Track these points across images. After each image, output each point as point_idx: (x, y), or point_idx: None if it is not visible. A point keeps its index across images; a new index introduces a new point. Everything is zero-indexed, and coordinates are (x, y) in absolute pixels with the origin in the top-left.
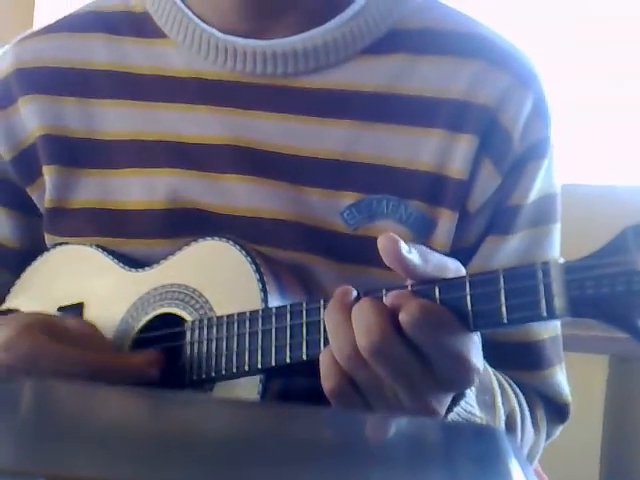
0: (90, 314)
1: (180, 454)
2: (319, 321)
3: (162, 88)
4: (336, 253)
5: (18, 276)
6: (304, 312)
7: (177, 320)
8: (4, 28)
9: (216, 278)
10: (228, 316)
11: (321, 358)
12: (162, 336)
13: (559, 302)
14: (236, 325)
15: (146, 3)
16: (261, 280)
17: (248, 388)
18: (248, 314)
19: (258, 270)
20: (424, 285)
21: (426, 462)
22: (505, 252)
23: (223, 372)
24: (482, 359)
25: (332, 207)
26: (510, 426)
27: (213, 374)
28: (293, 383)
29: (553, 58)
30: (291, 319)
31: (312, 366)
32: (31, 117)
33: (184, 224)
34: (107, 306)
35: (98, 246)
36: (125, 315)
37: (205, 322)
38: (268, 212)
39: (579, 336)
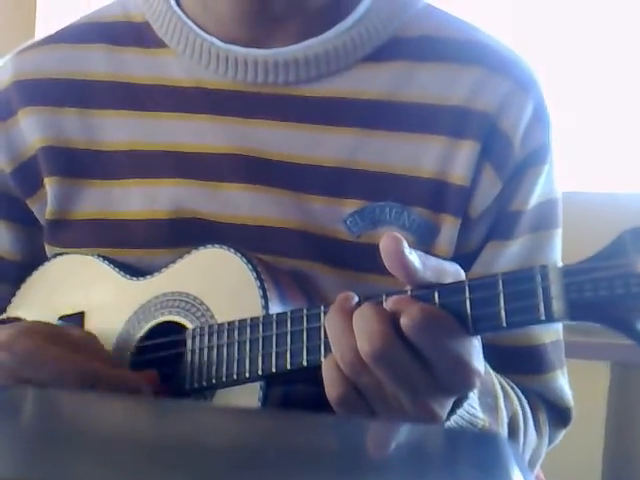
0: (91, 323)
1: (181, 462)
2: (319, 327)
3: (163, 98)
4: (339, 260)
5: (18, 287)
6: (305, 318)
7: (178, 328)
8: (4, 39)
9: (217, 285)
10: (229, 323)
11: (324, 367)
12: (163, 344)
13: (558, 305)
14: (237, 332)
15: (146, 13)
16: (262, 287)
17: (249, 395)
18: (249, 321)
19: (259, 277)
20: (424, 290)
21: (427, 469)
22: (506, 257)
23: (224, 379)
24: (483, 362)
25: (335, 215)
26: (513, 429)
27: (214, 381)
28: (293, 389)
29: (554, 65)
30: (292, 325)
31: (312, 372)
32: (31, 129)
33: (186, 234)
34: (108, 315)
35: (99, 255)
36: (126, 324)
37: (206, 329)
38: (271, 221)
39: (581, 343)
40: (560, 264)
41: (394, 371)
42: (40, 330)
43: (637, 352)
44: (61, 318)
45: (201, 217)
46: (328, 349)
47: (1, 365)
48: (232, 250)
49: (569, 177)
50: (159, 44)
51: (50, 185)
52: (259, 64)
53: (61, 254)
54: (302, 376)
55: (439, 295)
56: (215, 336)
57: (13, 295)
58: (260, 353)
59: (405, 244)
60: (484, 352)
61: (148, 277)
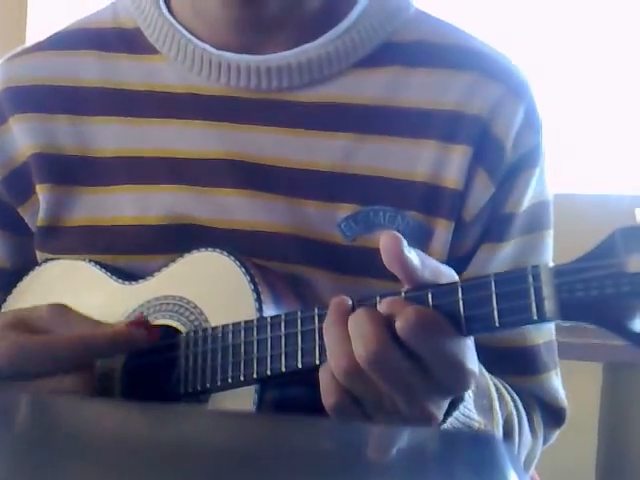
0: None
1: (175, 467)
2: (314, 329)
3: (155, 104)
4: (334, 265)
5: (10, 292)
6: (299, 321)
7: (172, 332)
8: None
9: (210, 289)
10: (223, 327)
11: (320, 374)
12: (156, 348)
13: (549, 305)
14: (231, 335)
15: (137, 19)
16: (256, 290)
17: (243, 398)
18: (243, 324)
19: (252, 280)
20: (417, 291)
21: (423, 471)
22: (500, 259)
23: (218, 383)
24: (477, 363)
25: (329, 219)
26: (508, 430)
27: (208, 385)
28: (288, 392)
29: (546, 69)
30: (286, 328)
31: (307, 375)
32: (23, 136)
33: (180, 240)
34: (101, 319)
35: (91, 260)
36: None
37: (200, 333)
38: (265, 225)
39: (573, 344)
40: (551, 264)
41: (390, 374)
42: (10, 325)
43: (629, 352)
44: None
45: (194, 222)
46: (323, 352)
47: None
48: (225, 253)
49: (561, 179)
50: (150, 50)
51: (42, 192)
52: (252, 70)
53: (52, 259)
54: (297, 379)
55: (433, 296)
56: (209, 340)
57: (4, 301)
58: (255, 356)
59: (404, 243)
60: (478, 354)
61: (141, 281)
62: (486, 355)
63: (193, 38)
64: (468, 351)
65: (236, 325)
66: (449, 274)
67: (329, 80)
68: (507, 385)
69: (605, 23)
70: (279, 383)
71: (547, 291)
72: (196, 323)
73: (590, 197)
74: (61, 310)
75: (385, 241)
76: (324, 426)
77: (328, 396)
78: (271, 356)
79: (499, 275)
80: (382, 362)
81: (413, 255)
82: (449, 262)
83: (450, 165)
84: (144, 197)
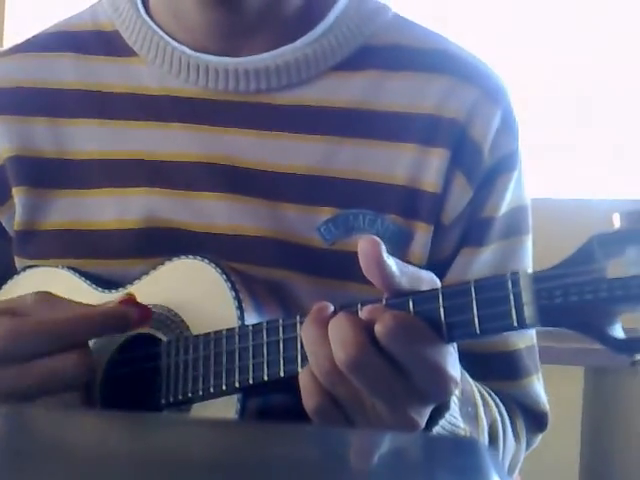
0: None
1: (157, 478)
2: (296, 337)
3: (134, 107)
4: (314, 268)
5: None
6: (281, 329)
7: (152, 341)
8: None
9: (191, 297)
10: (204, 335)
11: (300, 377)
12: (137, 357)
13: (529, 311)
14: (213, 344)
15: (115, 22)
16: (237, 298)
17: (226, 407)
18: (224, 332)
19: (234, 288)
20: (398, 298)
21: (406, 476)
22: (480, 264)
23: (200, 392)
24: (459, 369)
25: (309, 222)
26: (493, 437)
27: (190, 395)
28: (271, 401)
29: (523, 74)
30: (268, 336)
31: (290, 383)
32: (0, 138)
33: (160, 244)
34: None
35: (69, 268)
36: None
37: (181, 342)
38: (245, 229)
39: (554, 348)
40: (530, 270)
41: (370, 379)
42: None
43: (610, 357)
44: None
45: (174, 226)
46: (305, 359)
47: None
48: (206, 261)
49: (539, 184)
50: (129, 53)
51: (18, 195)
52: (230, 72)
53: (31, 267)
54: (279, 387)
55: (414, 303)
56: (191, 349)
57: None
58: (237, 365)
59: (383, 248)
60: (460, 359)
61: (121, 289)
62: (468, 360)
63: (171, 40)
64: (449, 357)
65: (218, 333)
66: (430, 279)
67: (307, 83)
68: (490, 391)
69: (583, 30)
70: (262, 391)
71: (526, 297)
72: (177, 332)
73: (567, 202)
74: (48, 296)
75: (364, 246)
76: (306, 432)
77: (309, 398)
78: (253, 364)
79: (479, 281)
80: (362, 367)
81: (391, 262)
82: (429, 266)
83: (428, 168)
84: (123, 200)
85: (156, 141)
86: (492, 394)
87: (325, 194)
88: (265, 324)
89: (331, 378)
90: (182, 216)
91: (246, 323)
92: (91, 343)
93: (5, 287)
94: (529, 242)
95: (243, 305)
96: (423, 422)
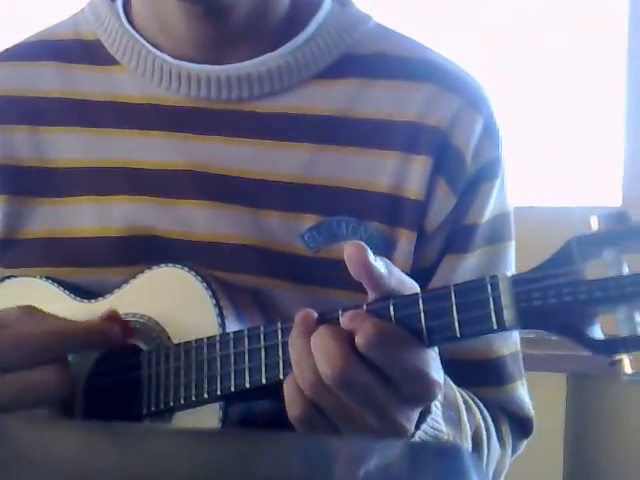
0: None
1: None
2: (277, 344)
3: (115, 115)
4: (297, 276)
5: None
6: (262, 336)
7: (133, 350)
8: None
9: (172, 306)
10: (185, 343)
11: (285, 386)
12: (118, 367)
13: (508, 314)
14: (194, 352)
15: (97, 30)
16: (218, 305)
17: (208, 415)
18: (206, 340)
19: (214, 296)
20: (379, 303)
21: None
22: (463, 271)
23: (182, 401)
24: (442, 373)
25: (292, 230)
26: (477, 442)
27: (172, 403)
28: (254, 408)
29: (506, 82)
30: (249, 343)
31: (272, 390)
32: None
33: (141, 252)
34: None
35: (48, 277)
36: None
37: (162, 351)
38: (227, 237)
39: (537, 355)
40: (509, 273)
41: (356, 391)
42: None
43: (592, 363)
44: None
45: (156, 234)
46: (287, 366)
47: None
48: (186, 269)
49: (522, 192)
50: (111, 61)
51: None
52: (212, 80)
53: (9, 277)
54: (262, 394)
55: (394, 308)
56: (172, 357)
57: None
58: (218, 373)
59: (369, 251)
60: (444, 366)
61: (100, 299)
62: (452, 367)
63: (153, 49)
64: (432, 361)
65: (199, 342)
66: (411, 285)
67: (289, 91)
68: (474, 397)
69: (567, 36)
70: (244, 399)
71: (506, 300)
72: (158, 341)
73: (547, 209)
74: (32, 310)
75: (350, 250)
76: (287, 441)
77: (293, 408)
78: (235, 372)
79: (459, 286)
80: (347, 379)
81: (379, 264)
82: (413, 274)
83: (411, 175)
84: (104, 208)
85: (137, 149)
86: (476, 400)
87: (308, 202)
88: (246, 331)
89: (316, 389)
90: (163, 224)
91: (227, 331)
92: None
93: None
94: (512, 248)
95: (224, 313)
96: (412, 427)
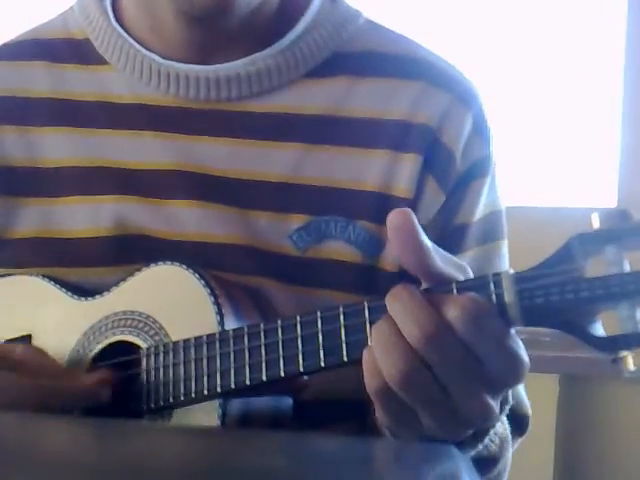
0: (38, 345)
1: None
2: (277, 342)
3: (105, 115)
4: (286, 276)
5: None
6: (262, 333)
7: (131, 348)
8: None
9: (170, 303)
10: (184, 341)
11: (365, 357)
12: (116, 365)
13: (512, 311)
14: (193, 350)
15: (86, 29)
16: (216, 303)
17: (207, 412)
18: (205, 338)
19: (213, 293)
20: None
21: None
22: None
23: (182, 398)
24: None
25: (281, 230)
26: (507, 444)
27: (171, 400)
28: (253, 404)
29: (499, 81)
30: (249, 341)
31: (271, 387)
32: None
33: (131, 251)
34: (56, 337)
35: (44, 276)
36: (76, 345)
37: (161, 348)
38: (216, 237)
39: (530, 356)
40: (511, 271)
41: (445, 360)
42: None
43: (584, 364)
44: (7, 342)
45: (145, 234)
46: (287, 363)
47: None
48: (184, 266)
49: (516, 192)
50: (100, 61)
51: None
52: (201, 80)
53: (4, 276)
54: (261, 391)
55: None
56: (170, 355)
57: None
58: (218, 370)
59: (415, 218)
60: None
61: (97, 297)
62: None
63: (142, 49)
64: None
65: (198, 339)
66: (460, 265)
67: (278, 90)
68: None
69: (560, 41)
70: (243, 396)
71: (508, 298)
72: (156, 338)
73: (544, 210)
74: (35, 354)
75: (395, 219)
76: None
77: (371, 379)
78: (235, 369)
79: (461, 283)
80: (438, 346)
81: (425, 237)
82: (403, 273)
83: (400, 174)
84: (94, 208)
85: (127, 149)
86: None
87: (296, 201)
88: (246, 329)
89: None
90: (153, 224)
91: (226, 328)
92: (67, 351)
93: None
94: (505, 247)
95: (223, 310)
96: (497, 409)
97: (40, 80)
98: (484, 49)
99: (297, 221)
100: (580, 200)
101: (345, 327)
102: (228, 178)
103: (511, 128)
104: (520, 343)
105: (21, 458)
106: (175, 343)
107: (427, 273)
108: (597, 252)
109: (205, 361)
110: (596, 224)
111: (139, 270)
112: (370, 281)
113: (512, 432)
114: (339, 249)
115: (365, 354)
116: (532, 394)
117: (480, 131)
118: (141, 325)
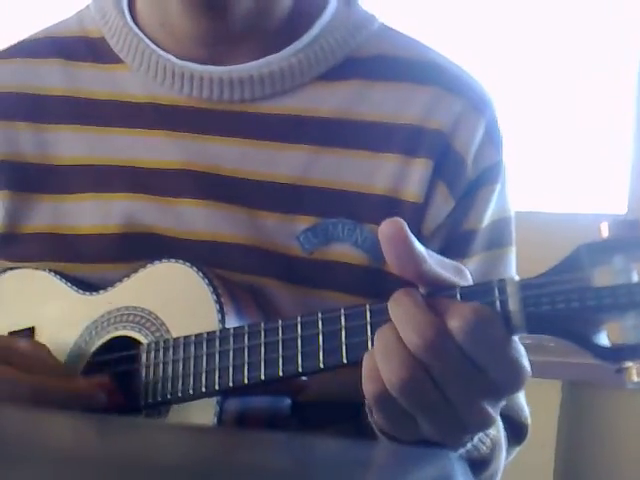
0: (41, 338)
1: None
2: (277, 341)
3: (118, 113)
4: (292, 277)
5: None
6: (262, 332)
7: (132, 343)
8: None
9: (172, 300)
10: (185, 337)
11: (365, 361)
12: (117, 359)
13: (516, 319)
14: (193, 347)
15: (102, 28)
16: (218, 301)
17: (205, 410)
18: (205, 335)
19: (215, 291)
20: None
21: None
22: None
23: (179, 394)
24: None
25: (288, 231)
26: (500, 447)
27: (169, 396)
28: (250, 403)
29: (511, 86)
30: (249, 340)
31: (269, 386)
32: None
33: (139, 249)
34: (59, 330)
35: (50, 270)
36: (78, 339)
37: (161, 344)
38: (224, 236)
39: (532, 362)
40: (517, 278)
41: (445, 366)
42: None
43: (587, 371)
44: (11, 334)
45: (154, 232)
46: (286, 363)
47: None
48: (188, 264)
49: (527, 197)
50: (115, 60)
51: (1, 199)
52: (214, 81)
53: (12, 269)
54: (259, 390)
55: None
56: (170, 351)
57: None
58: (217, 367)
59: (407, 227)
60: None
61: (101, 292)
62: None
63: (157, 48)
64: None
65: (198, 336)
66: (457, 266)
67: (291, 92)
68: None
69: (573, 46)
70: (241, 394)
71: (513, 304)
72: (157, 334)
73: (554, 215)
74: (36, 349)
75: (386, 229)
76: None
77: (370, 384)
78: (234, 367)
79: (465, 288)
80: (438, 352)
81: (417, 243)
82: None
83: (411, 178)
84: (105, 206)
85: (139, 148)
86: None
87: (305, 203)
88: (247, 327)
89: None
90: (162, 222)
91: (227, 326)
92: (70, 345)
93: None
94: (512, 254)
95: (224, 308)
96: (497, 416)
97: (55, 78)
98: (496, 55)
99: (305, 223)
100: (590, 206)
101: (346, 329)
102: (238, 178)
103: (521, 133)
104: (522, 350)
105: (17, 453)
106: (175, 339)
107: (425, 279)
108: (605, 261)
109: (204, 358)
110: (605, 233)
111: (143, 267)
112: (376, 284)
113: (509, 440)
114: (346, 252)
115: (365, 358)
116: (534, 400)
117: (492, 138)
118: (143, 321)
